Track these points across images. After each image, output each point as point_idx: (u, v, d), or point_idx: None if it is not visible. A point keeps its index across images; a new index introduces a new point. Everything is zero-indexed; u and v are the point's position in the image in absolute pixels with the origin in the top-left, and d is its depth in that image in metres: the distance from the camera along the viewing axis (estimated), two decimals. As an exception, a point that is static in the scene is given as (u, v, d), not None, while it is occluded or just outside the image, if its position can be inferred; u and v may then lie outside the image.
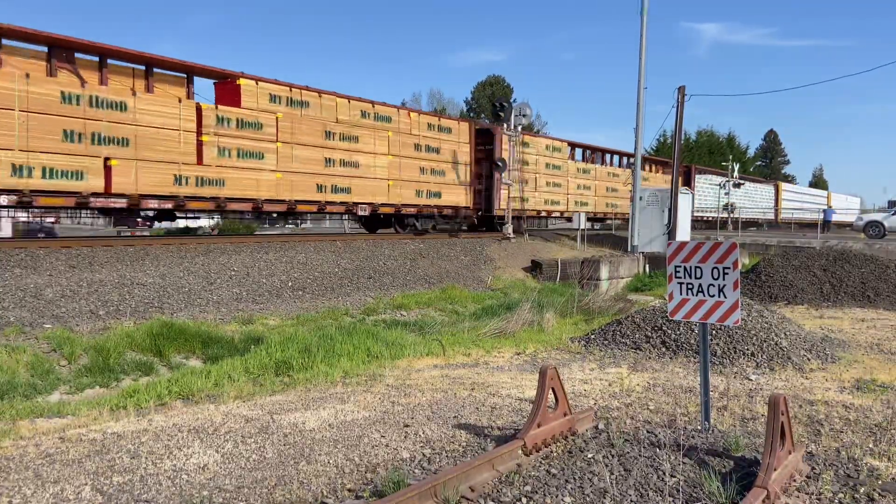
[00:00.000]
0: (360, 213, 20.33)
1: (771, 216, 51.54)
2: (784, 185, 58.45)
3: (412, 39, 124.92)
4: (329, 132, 19.08)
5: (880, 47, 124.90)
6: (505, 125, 24.87)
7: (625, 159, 35.98)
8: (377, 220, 23.13)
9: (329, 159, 19.05)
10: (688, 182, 38.66)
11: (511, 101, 36.11)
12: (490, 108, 37.15)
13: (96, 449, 4.81)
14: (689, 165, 42.75)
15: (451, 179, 23.51)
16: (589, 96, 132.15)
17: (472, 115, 64.55)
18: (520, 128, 25.48)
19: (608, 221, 36.14)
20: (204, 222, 37.44)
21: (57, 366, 9.05)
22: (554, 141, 29.84)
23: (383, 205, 20.93)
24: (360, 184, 19.95)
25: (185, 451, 4.77)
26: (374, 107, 20.74)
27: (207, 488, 4.12)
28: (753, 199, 49.18)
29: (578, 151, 33.11)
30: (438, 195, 22.97)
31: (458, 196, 23.94)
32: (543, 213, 29.38)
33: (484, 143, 25.20)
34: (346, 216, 21.58)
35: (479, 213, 25.67)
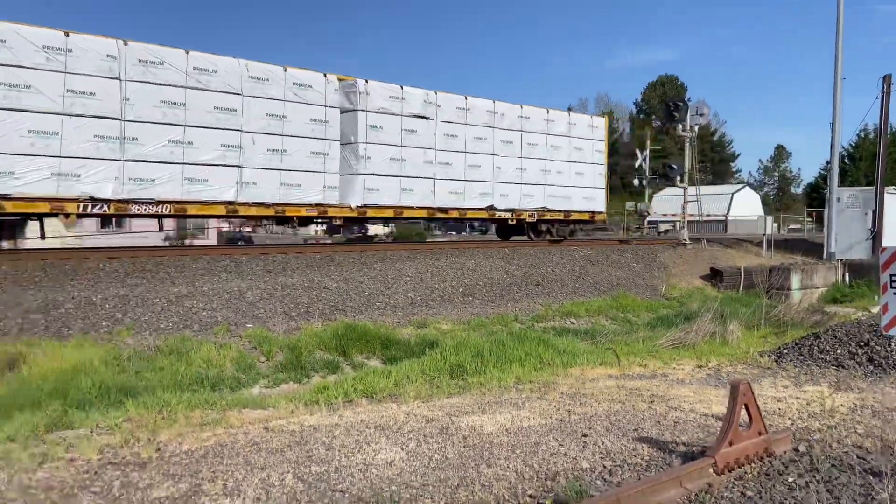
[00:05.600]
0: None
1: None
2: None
3: (577, 43, 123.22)
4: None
5: None
6: (679, 126, 23.72)
7: None
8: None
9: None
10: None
11: (685, 100, 34.30)
12: (662, 108, 35.40)
13: (296, 440, 5.23)
14: None
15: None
16: (775, 92, 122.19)
17: (641, 116, 61.69)
18: (696, 128, 24.18)
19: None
20: (379, 229, 39.31)
21: (257, 362, 9.99)
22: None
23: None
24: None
25: (373, 447, 5.04)
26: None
27: (395, 483, 4.31)
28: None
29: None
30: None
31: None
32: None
33: None
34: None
35: None
